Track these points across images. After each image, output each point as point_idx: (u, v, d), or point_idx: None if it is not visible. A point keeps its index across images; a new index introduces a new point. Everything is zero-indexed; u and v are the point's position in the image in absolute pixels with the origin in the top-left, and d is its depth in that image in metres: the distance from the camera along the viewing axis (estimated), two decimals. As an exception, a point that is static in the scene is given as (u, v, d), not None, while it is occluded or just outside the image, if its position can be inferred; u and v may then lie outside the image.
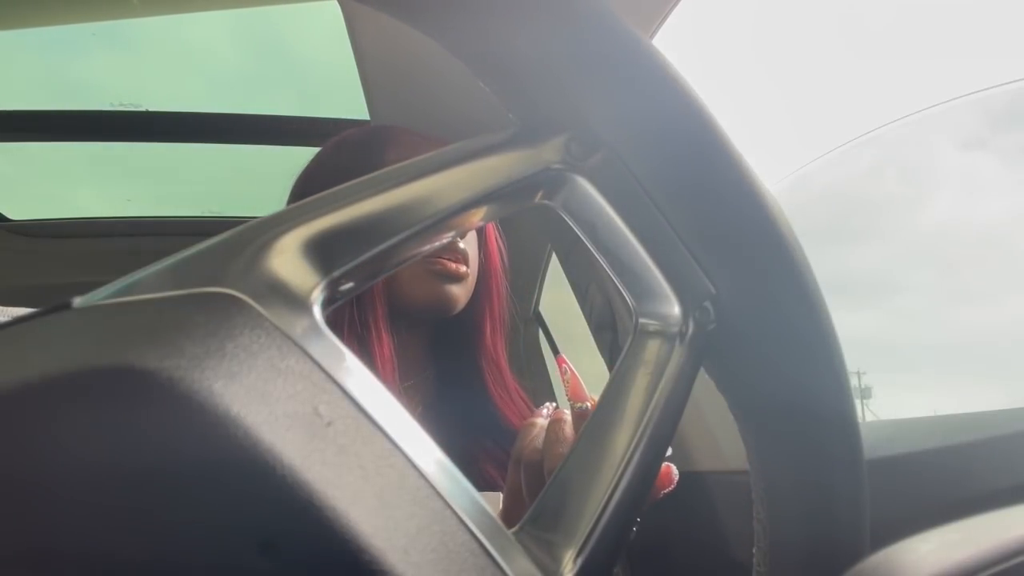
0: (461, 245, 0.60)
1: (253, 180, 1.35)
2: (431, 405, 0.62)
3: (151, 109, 1.13)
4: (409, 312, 0.59)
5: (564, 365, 0.40)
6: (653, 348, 0.24)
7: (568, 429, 0.40)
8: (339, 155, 0.64)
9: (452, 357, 0.65)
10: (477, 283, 0.64)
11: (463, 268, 0.60)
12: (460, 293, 0.60)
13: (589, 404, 0.39)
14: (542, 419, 0.43)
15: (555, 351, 1.31)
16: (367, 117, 0.86)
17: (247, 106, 1.14)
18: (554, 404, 0.42)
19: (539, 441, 0.41)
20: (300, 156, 1.15)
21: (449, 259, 0.59)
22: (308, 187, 0.64)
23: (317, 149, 0.68)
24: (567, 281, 0.97)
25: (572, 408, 0.39)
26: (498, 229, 0.69)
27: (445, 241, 0.22)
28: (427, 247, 0.22)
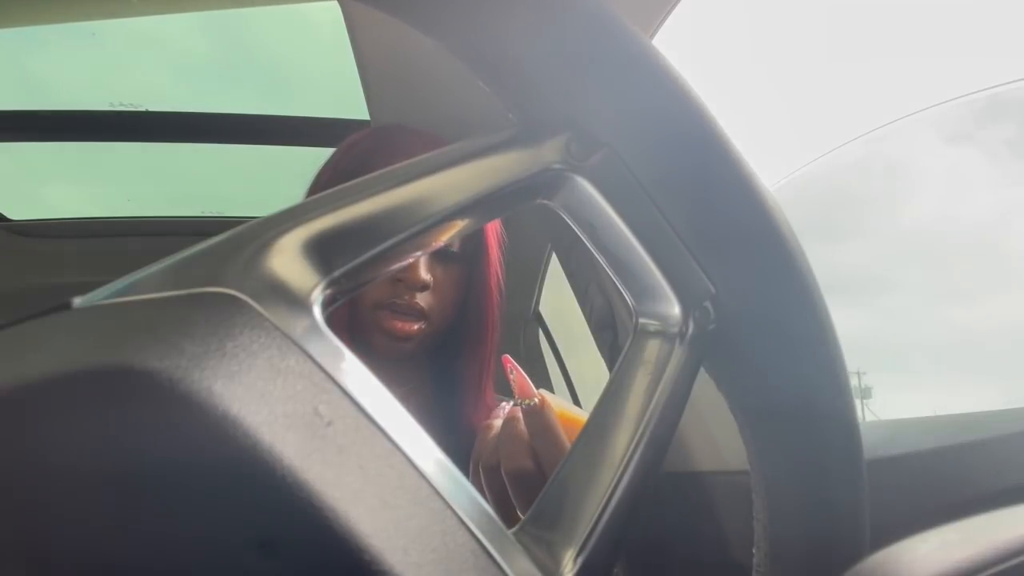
0: (419, 302, 0.57)
1: (253, 180, 1.35)
2: (430, 409, 0.62)
3: (151, 109, 1.13)
4: (366, 353, 0.58)
5: (509, 364, 0.41)
6: (653, 348, 0.24)
7: (521, 427, 0.40)
8: (343, 157, 0.63)
9: (449, 363, 0.64)
10: (469, 300, 0.63)
11: (415, 327, 0.57)
12: (409, 347, 0.58)
13: (537, 399, 0.39)
14: (499, 420, 0.43)
15: (555, 351, 1.31)
16: (366, 117, 0.86)
17: (234, 104, 1.14)
18: (511, 403, 0.42)
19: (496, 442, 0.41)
20: (300, 156, 1.15)
21: (400, 319, 0.57)
22: (320, 189, 0.63)
23: (317, 149, 0.67)
24: (567, 281, 0.97)
25: (522, 406, 0.40)
26: (502, 237, 0.66)
27: (412, 282, 0.22)
28: (427, 247, 0.22)
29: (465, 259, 0.62)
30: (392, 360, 0.59)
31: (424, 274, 0.56)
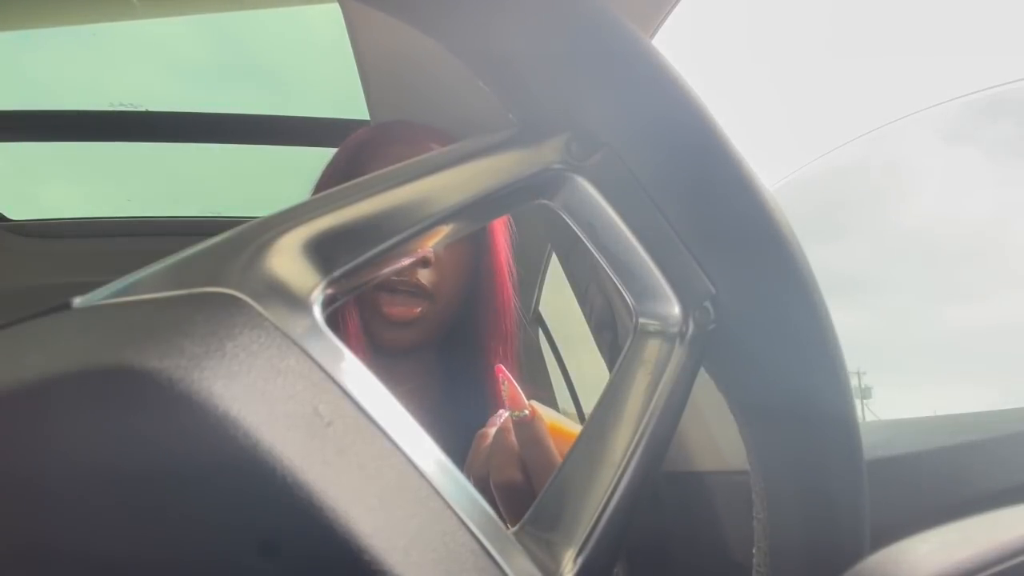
0: (421, 279, 0.56)
1: (253, 180, 1.35)
2: (436, 408, 0.61)
3: (151, 109, 1.13)
4: (373, 343, 0.57)
5: (501, 375, 0.40)
6: (653, 348, 0.24)
7: (511, 439, 0.40)
8: (344, 156, 0.63)
9: (459, 360, 0.64)
10: (480, 286, 0.62)
11: (416, 311, 0.56)
12: (412, 334, 0.57)
13: (528, 411, 0.39)
14: (494, 429, 0.43)
15: (555, 351, 1.31)
16: (366, 117, 0.86)
17: (234, 104, 1.14)
18: (506, 412, 0.41)
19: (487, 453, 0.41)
20: (300, 156, 1.15)
21: (400, 302, 0.56)
22: (324, 189, 0.62)
23: (317, 149, 0.67)
24: (567, 281, 0.97)
25: (512, 417, 0.39)
26: (511, 229, 0.66)
27: (409, 262, 0.22)
28: (427, 247, 0.22)
29: (470, 238, 0.61)
30: (398, 352, 0.58)
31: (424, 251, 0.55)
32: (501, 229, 0.64)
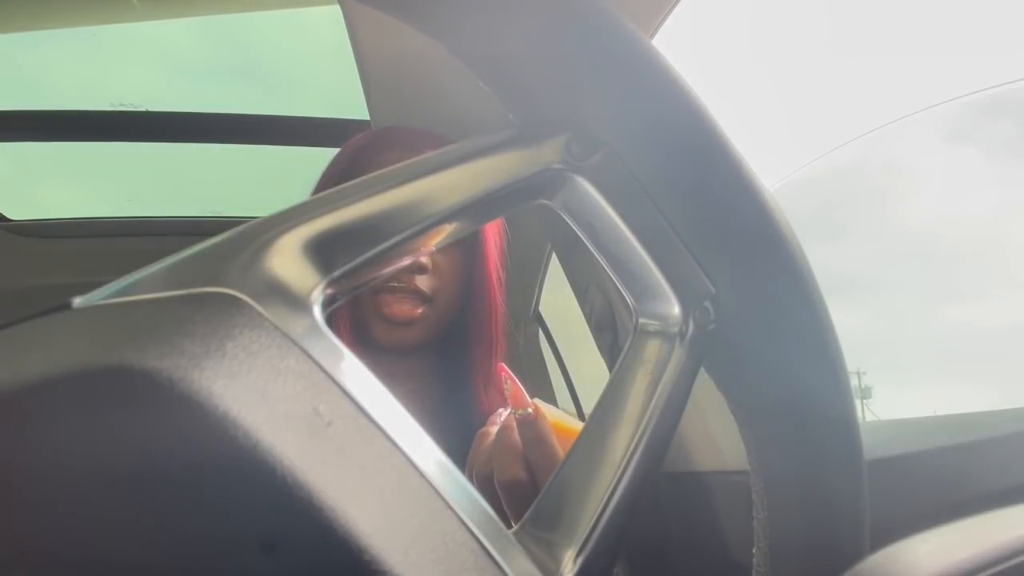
0: (419, 284, 0.57)
1: (253, 180, 1.35)
2: (435, 409, 0.62)
3: (151, 109, 1.13)
4: (371, 344, 0.58)
5: (504, 373, 0.41)
6: (653, 348, 0.24)
7: (515, 437, 0.40)
8: (344, 159, 0.64)
9: (455, 362, 0.64)
10: (472, 289, 0.63)
11: (417, 311, 0.57)
12: (413, 334, 0.58)
13: (531, 409, 0.39)
14: (495, 427, 0.43)
15: (555, 351, 1.31)
16: (366, 117, 0.86)
17: (234, 105, 1.14)
18: (508, 410, 0.41)
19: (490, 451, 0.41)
20: (300, 156, 1.15)
21: (401, 301, 0.57)
22: (323, 190, 0.63)
23: (317, 149, 0.68)
24: (567, 281, 0.97)
25: (516, 415, 0.39)
26: (506, 232, 0.67)
27: (409, 263, 0.21)
28: (427, 247, 0.22)
29: (463, 245, 0.62)
30: (397, 352, 0.59)
31: (421, 256, 0.55)
32: (493, 236, 0.65)
